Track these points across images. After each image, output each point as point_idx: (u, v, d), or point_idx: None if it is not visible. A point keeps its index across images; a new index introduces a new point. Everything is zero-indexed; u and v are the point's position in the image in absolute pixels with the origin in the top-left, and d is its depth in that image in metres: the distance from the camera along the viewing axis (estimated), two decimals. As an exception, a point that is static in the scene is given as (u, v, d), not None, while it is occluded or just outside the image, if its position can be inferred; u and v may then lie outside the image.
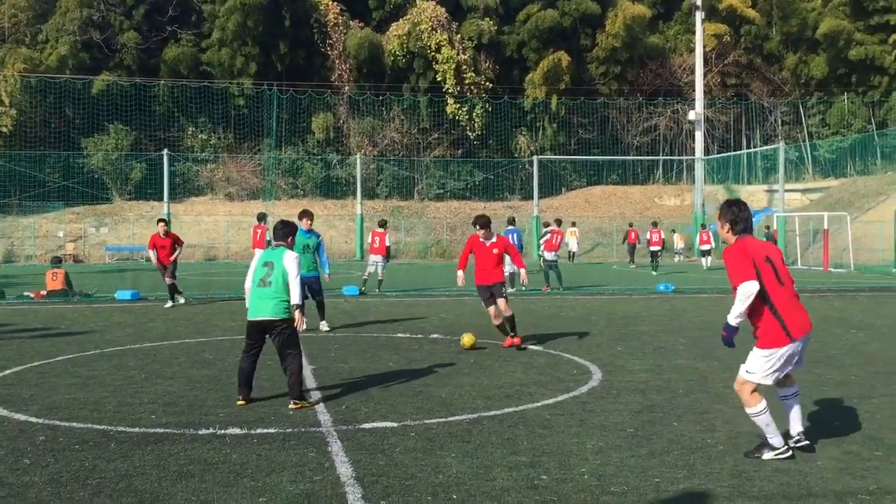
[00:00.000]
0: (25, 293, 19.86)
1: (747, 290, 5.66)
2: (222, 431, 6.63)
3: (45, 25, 49.84)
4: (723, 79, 56.28)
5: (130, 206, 45.78)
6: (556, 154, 52.20)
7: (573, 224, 38.49)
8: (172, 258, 17.44)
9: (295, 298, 7.68)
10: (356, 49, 50.69)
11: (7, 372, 9.38)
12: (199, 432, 6.61)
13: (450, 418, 7.12)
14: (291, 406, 7.52)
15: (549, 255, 22.24)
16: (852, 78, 53.22)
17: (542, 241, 23.42)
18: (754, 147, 53.42)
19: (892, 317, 15.52)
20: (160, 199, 41.25)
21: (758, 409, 5.84)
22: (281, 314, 7.66)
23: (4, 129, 46.73)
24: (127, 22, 50.57)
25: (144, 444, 6.21)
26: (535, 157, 44.93)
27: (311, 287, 12.99)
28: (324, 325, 13.34)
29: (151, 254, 17.60)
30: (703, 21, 44.86)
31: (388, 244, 20.95)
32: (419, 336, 12.62)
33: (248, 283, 7.90)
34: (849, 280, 26.60)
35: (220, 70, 50.51)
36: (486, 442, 6.34)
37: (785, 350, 5.76)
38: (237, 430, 6.67)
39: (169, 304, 17.44)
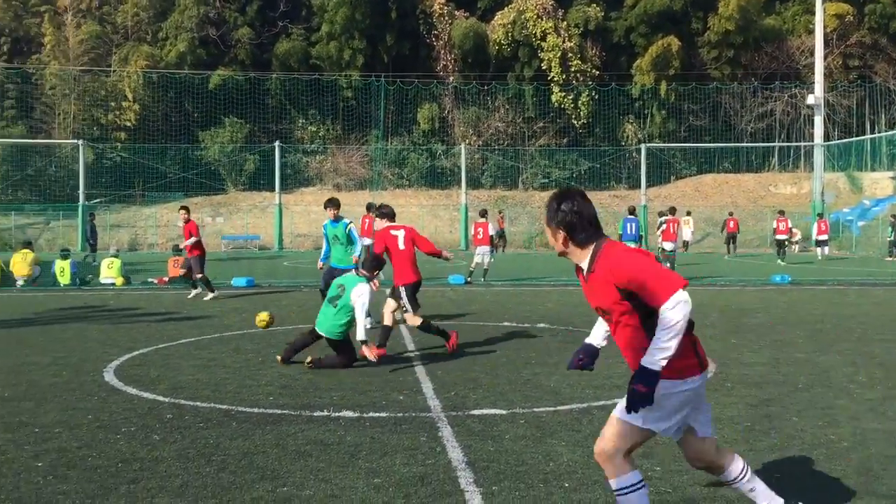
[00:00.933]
0: (149, 279, 20.92)
1: (686, 299, 3.70)
2: (336, 414, 6.81)
3: (165, 23, 52.17)
4: (844, 60, 53.55)
5: (244, 197, 47.48)
6: (664, 142, 50.96)
7: (688, 213, 37.50)
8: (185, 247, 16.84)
9: (360, 335, 8.60)
10: (461, 39, 50.85)
11: (135, 353, 9.91)
12: (315, 414, 6.81)
13: (559, 407, 7.09)
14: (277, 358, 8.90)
15: (668, 245, 21.83)
16: None
17: (659, 231, 22.98)
18: (879, 132, 50.62)
19: None
20: (272, 189, 42.61)
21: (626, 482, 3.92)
22: (336, 336, 8.82)
23: (129, 124, 49.32)
24: (241, 18, 52.37)
25: (263, 424, 6.45)
26: (642, 145, 43.96)
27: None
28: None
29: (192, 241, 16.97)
30: (824, 1, 42.76)
31: (491, 233, 20.97)
32: (526, 325, 12.60)
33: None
34: (984, 273, 24.93)
35: (329, 63, 51.66)
36: (596, 432, 6.24)
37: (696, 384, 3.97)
38: (350, 413, 6.83)
39: (210, 295, 16.67)
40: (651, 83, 51.69)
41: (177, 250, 21.83)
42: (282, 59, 52.00)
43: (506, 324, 12.75)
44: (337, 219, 12.84)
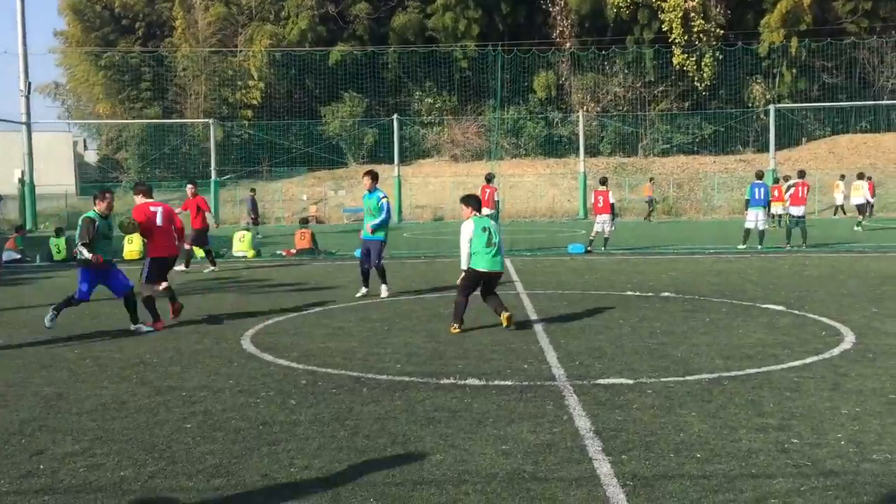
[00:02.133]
0: (278, 251, 21.75)
1: None
2: (462, 382, 6.92)
3: (287, 2, 53.47)
4: None
5: (365, 170, 48.42)
6: (795, 102, 48.40)
7: (863, 176, 30.68)
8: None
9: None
10: (578, 3, 49.77)
11: (269, 322, 10.35)
12: (442, 382, 6.95)
13: (687, 377, 6.95)
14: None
15: (795, 210, 20.90)
16: None
17: (787, 195, 22.02)
18: None
19: None
20: (391, 162, 43.27)
21: None
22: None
23: (254, 102, 51.05)
24: (358, -7, 53.07)
25: (393, 391, 6.63)
26: (771, 106, 41.90)
27: (371, 251, 12.54)
28: (384, 291, 12.57)
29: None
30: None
31: (612, 201, 20.60)
32: (650, 294, 12.36)
33: (467, 246, 9.46)
34: None
35: (445, 34, 51.71)
36: (728, 402, 6.13)
37: None
38: (476, 381, 6.93)
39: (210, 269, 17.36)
40: (780, 40, 49.08)
41: (304, 222, 22.58)
42: (398, 33, 52.46)
43: (629, 293, 12.55)
44: (372, 190, 12.83)
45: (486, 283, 9.62)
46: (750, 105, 49.78)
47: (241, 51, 52.11)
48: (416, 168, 48.05)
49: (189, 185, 18.63)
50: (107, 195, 9.86)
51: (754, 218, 20.39)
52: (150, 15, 54.77)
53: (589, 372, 7.24)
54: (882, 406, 5.95)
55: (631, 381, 6.82)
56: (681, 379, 6.90)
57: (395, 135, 42.26)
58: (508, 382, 6.88)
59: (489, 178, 20.86)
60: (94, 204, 9.81)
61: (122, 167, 51.75)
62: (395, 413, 5.99)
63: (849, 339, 8.51)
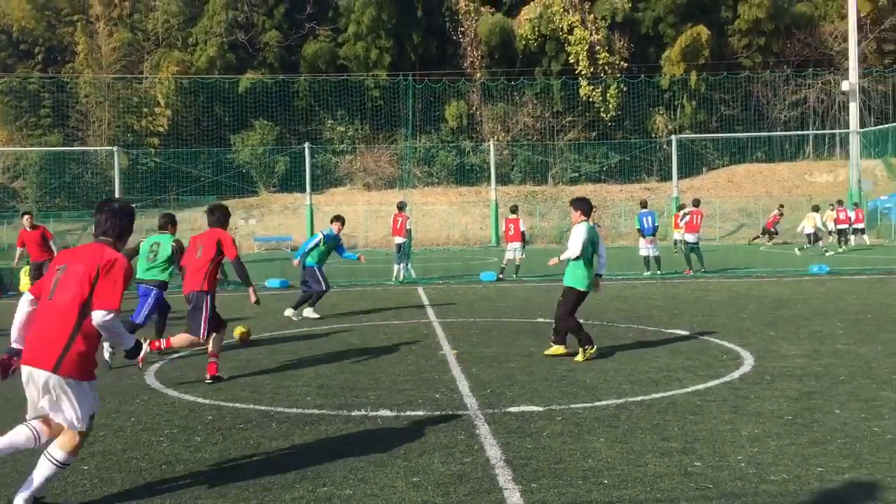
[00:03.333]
0: (185, 282, 21.14)
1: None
2: (374, 413, 6.85)
3: (195, 29, 52.70)
4: (879, 45, 52.56)
5: (276, 198, 47.84)
6: (695, 132, 50.41)
7: (815, 209, 30.75)
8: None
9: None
10: (487, 35, 50.75)
11: (175, 356, 10.04)
12: (353, 414, 6.86)
13: (596, 403, 7.07)
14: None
15: (690, 237, 21.68)
16: None
17: (682, 223, 22.83)
18: (916, 117, 49.61)
19: None
20: (303, 190, 42.87)
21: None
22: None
23: (161, 129, 49.91)
24: (269, 21, 52.75)
25: (303, 424, 6.50)
26: (673, 137, 43.49)
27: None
28: (288, 311, 13.46)
29: (19, 251, 17.02)
30: (857, -16, 41.99)
31: (522, 229, 20.92)
32: (560, 321, 12.52)
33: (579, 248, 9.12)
34: None
35: (357, 63, 51.85)
36: (634, 427, 6.25)
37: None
38: (388, 412, 6.87)
39: None
40: (681, 74, 51.15)
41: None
42: (310, 61, 52.29)
43: (539, 320, 12.71)
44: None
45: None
46: (653, 135, 51.57)
47: (146, 77, 50.95)
48: (329, 196, 47.75)
49: (25, 216, 17.44)
50: None
51: (646, 246, 21.01)
52: (50, 40, 53.11)
53: (500, 400, 7.27)
54: (779, 427, 6.17)
55: (541, 409, 6.88)
56: (589, 405, 7.00)
57: (307, 163, 41.95)
58: (420, 413, 6.84)
59: (401, 207, 20.91)
60: None
61: (20, 196, 49.62)
62: (305, 447, 5.87)
63: (748, 363, 8.81)
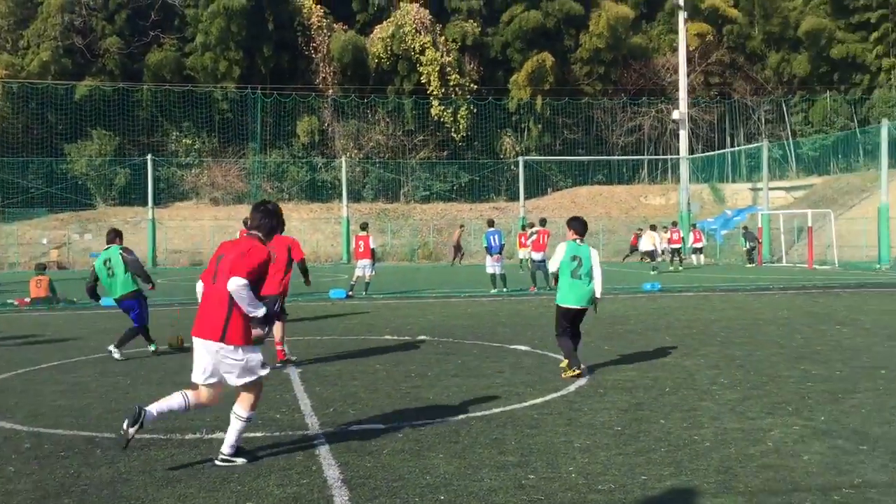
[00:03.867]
0: (9, 301, 19.72)
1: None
2: (209, 436, 6.60)
3: (27, 31, 49.53)
4: (706, 78, 56.56)
5: (115, 212, 45.47)
6: (541, 155, 52.31)
7: (652, 227, 32.63)
8: None
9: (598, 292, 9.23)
10: (340, 52, 50.64)
11: (-9, 380, 9.30)
12: (186, 437, 6.58)
13: (437, 419, 7.12)
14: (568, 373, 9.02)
15: (536, 256, 22.28)
16: (834, 76, 53.69)
17: (529, 242, 23.50)
18: (738, 145, 53.69)
19: (875, 312, 15.64)
20: (144, 204, 41.08)
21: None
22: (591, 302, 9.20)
23: (-14, 136, 46.39)
24: (109, 27, 50.36)
25: (130, 450, 6.16)
26: (520, 158, 45.05)
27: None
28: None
29: None
30: (686, 21, 45.09)
31: (372, 246, 20.92)
32: (407, 338, 12.60)
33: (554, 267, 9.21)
34: (833, 277, 26.78)
35: (204, 74, 50.36)
36: (474, 442, 6.34)
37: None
38: (223, 435, 6.63)
39: None
40: (527, 97, 52.96)
41: (40, 268, 20.72)
42: (154, 70, 50.26)
43: (387, 337, 12.72)
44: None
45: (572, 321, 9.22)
46: (502, 156, 53.06)
47: (-31, 80, 47.34)
48: (173, 211, 45.94)
49: None
50: None
51: (492, 263, 21.52)
52: None
53: (342, 419, 7.20)
54: (609, 438, 6.44)
55: (383, 426, 6.86)
56: (431, 421, 7.04)
57: (150, 176, 40.28)
58: (258, 434, 6.65)
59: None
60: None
61: None
62: (131, 475, 5.56)
63: (584, 376, 9.16)
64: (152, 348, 11.24)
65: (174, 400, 5.82)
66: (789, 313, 15.67)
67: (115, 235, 11.58)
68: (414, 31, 50.61)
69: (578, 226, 9.34)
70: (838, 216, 36.85)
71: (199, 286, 5.91)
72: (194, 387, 5.84)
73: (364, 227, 21.65)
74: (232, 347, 5.60)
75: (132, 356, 11.01)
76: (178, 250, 41.64)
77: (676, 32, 46.39)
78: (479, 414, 7.32)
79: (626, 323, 14.39)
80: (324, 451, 6.09)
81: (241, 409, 5.75)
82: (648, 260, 30.85)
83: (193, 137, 50.04)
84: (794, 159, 51.50)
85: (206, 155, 49.75)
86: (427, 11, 51.61)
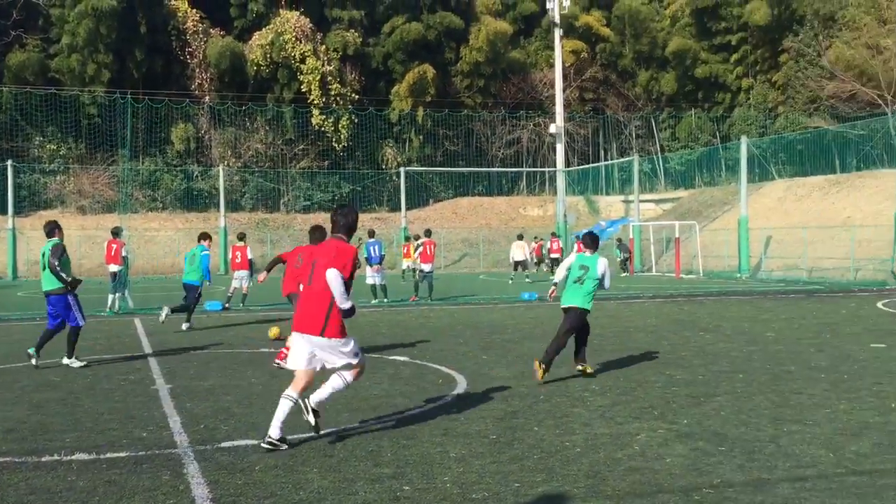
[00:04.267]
0: None
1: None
2: (68, 458, 6.26)
3: None
4: (581, 93, 58.50)
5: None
6: (423, 165, 52.65)
7: (520, 237, 33.53)
8: None
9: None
10: (217, 58, 49.40)
11: None
12: (43, 459, 6.22)
13: (313, 433, 7.00)
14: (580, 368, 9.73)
15: (426, 267, 22.29)
16: (699, 94, 56.60)
17: (416, 254, 23.46)
18: (611, 159, 55.81)
19: (735, 319, 16.53)
20: (4, 212, 38.73)
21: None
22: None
23: None
24: (-35, 24, 47.32)
25: (-21, 476, 5.77)
26: (402, 169, 45.19)
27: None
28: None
29: None
30: (562, 38, 46.51)
31: (250, 257, 20.47)
32: (284, 350, 12.34)
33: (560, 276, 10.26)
34: (698, 285, 28.15)
35: (71, 77, 48.05)
36: (349, 456, 6.28)
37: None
38: (85, 456, 6.31)
39: None
40: (408, 109, 53.25)
41: None
42: (15, 72, 47.47)
43: (263, 350, 12.45)
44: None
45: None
46: (383, 167, 53.08)
47: None
48: (37, 219, 43.40)
49: None
50: None
51: (372, 274, 21.45)
52: None
53: (214, 436, 6.98)
54: (484, 447, 6.51)
55: (256, 442, 6.69)
56: (307, 435, 6.93)
57: (10, 182, 38.03)
58: (123, 454, 6.36)
59: (116, 232, 19.59)
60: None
61: None
62: (-20, 503, 5.20)
63: (461, 386, 9.25)
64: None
65: (338, 380, 6.82)
66: (657, 321, 16.35)
67: (52, 228, 11.23)
68: (294, 39, 49.99)
69: (588, 240, 10.30)
70: (703, 228, 38.82)
71: None
72: (296, 374, 6.77)
73: (242, 237, 21.17)
74: (330, 340, 6.58)
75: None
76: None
77: (553, 49, 47.76)
78: (355, 426, 7.26)
79: (503, 332, 14.63)
80: (192, 470, 5.89)
81: (347, 374, 6.79)
82: (521, 269, 31.59)
83: (59, 143, 47.60)
84: (662, 173, 53.97)
85: (73, 161, 47.42)
86: (308, 20, 51.09)
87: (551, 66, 50.58)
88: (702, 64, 55.02)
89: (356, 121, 52.00)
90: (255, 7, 52.49)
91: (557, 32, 45.36)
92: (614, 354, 11.60)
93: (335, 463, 6.06)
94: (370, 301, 21.36)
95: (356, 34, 53.28)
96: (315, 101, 50.34)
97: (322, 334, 6.52)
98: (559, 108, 45.72)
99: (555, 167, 48.33)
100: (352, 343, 6.73)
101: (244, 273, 20.23)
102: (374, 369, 10.49)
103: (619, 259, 36.61)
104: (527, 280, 30.01)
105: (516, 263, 31.69)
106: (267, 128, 51.30)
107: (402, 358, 11.48)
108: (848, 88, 37.88)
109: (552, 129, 46.44)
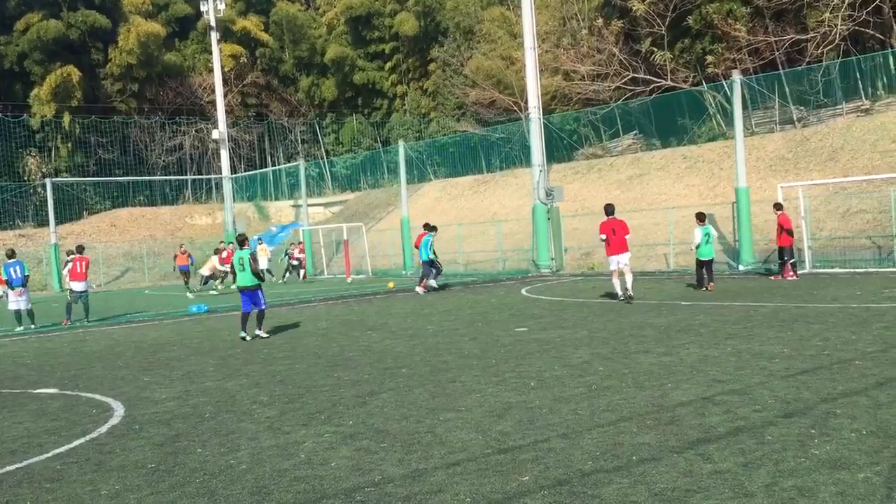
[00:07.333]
0: None
1: None
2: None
3: None
4: (243, 98, 57.66)
5: None
6: (73, 176, 48.37)
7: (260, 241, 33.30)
8: None
9: None
10: None
11: None
12: None
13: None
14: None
15: (77, 286, 20.20)
16: (359, 100, 58.55)
17: (66, 272, 21.14)
18: (278, 164, 55.69)
19: (400, 315, 17.36)
20: None
21: None
22: None
23: None
24: None
25: None
26: (48, 180, 41.13)
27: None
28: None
29: None
30: (219, 41, 45.42)
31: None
32: None
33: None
34: (367, 284, 29.15)
35: None
36: (-21, 512, 5.52)
37: None
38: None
39: None
40: (52, 114, 48.53)
41: None
42: None
43: None
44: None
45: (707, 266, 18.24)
46: (25, 178, 47.88)
47: None
48: None
49: None
50: None
51: (15, 298, 19.28)
52: None
53: None
54: (141, 478, 6.09)
55: None
56: (-75, 496, 5.97)
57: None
58: None
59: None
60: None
61: None
62: None
63: (118, 414, 8.61)
64: None
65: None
66: (328, 323, 16.62)
67: (243, 239, 15.27)
68: None
69: (701, 216, 18.98)
70: (369, 228, 40.27)
71: None
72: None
73: None
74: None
75: None
76: None
77: (211, 52, 46.44)
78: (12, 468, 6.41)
79: (169, 350, 13.91)
80: None
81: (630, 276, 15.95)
82: (203, 285, 30.99)
83: None
84: (329, 177, 55.05)
85: None
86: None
87: (210, 70, 49.18)
88: (359, 71, 56.95)
89: (-9, 127, 46.27)
90: None
91: (214, 36, 44.23)
92: (284, 362, 11.56)
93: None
94: (13, 329, 19.11)
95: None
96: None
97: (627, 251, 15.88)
98: (221, 114, 44.64)
99: (220, 174, 47.09)
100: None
101: None
102: (14, 407, 9.39)
103: (290, 264, 36.54)
104: (212, 292, 29.44)
105: (206, 278, 31.06)
106: None
107: (49, 390, 10.41)
108: (488, 96, 41.45)
109: (215, 134, 45.24)
